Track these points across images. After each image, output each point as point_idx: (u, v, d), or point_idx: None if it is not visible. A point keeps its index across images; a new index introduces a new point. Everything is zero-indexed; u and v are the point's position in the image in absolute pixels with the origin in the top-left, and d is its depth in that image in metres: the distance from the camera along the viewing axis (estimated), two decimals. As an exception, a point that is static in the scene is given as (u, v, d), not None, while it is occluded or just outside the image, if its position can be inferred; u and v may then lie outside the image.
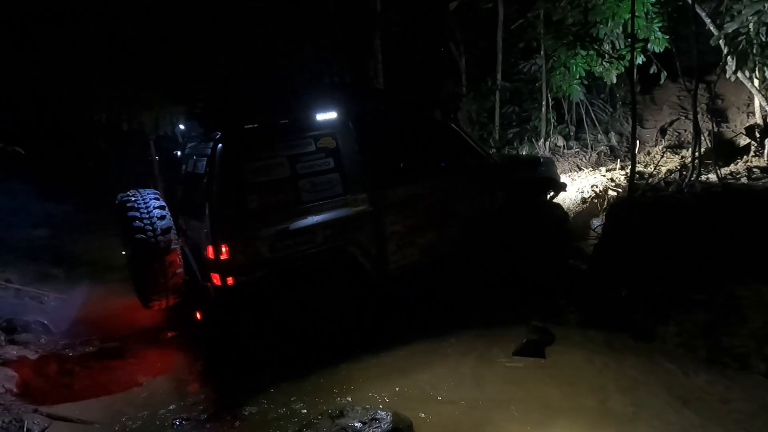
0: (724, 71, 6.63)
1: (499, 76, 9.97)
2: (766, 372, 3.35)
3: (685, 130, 7.29)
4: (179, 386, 3.88)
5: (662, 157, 6.11)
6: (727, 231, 4.40)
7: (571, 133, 10.53)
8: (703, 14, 6.42)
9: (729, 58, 5.90)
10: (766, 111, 6.52)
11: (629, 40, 6.48)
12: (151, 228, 3.80)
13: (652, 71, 8.31)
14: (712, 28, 6.40)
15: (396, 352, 4.02)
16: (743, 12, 5.41)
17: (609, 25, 7.73)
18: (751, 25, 5.69)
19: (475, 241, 4.71)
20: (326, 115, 4.15)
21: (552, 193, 5.39)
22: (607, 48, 8.08)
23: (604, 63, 8.00)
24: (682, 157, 6.63)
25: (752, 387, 3.27)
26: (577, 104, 10.35)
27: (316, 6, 8.34)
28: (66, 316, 5.05)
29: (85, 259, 6.72)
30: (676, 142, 8.04)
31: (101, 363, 4.22)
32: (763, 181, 5.82)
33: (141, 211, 3.84)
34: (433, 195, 4.50)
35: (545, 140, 9.86)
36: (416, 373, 3.74)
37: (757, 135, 4.81)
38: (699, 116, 6.35)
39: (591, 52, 8.03)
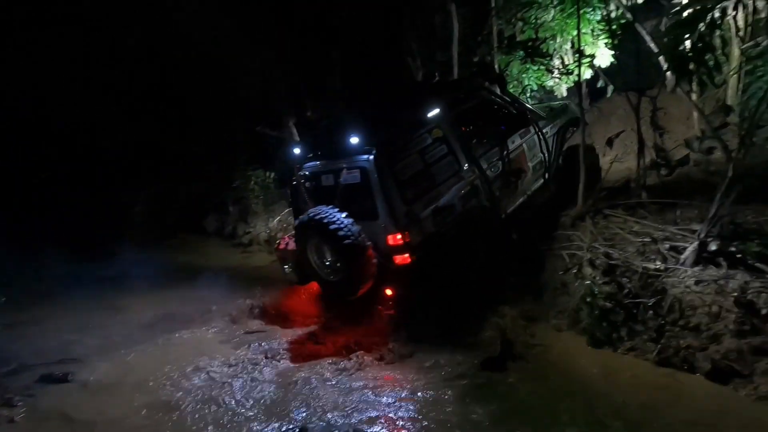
0: (665, 86, 7.02)
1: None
2: (708, 373, 3.53)
3: (632, 142, 7.60)
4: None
5: (610, 167, 6.36)
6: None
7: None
8: (644, 32, 6.77)
9: (668, 73, 6.24)
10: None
11: (577, 55, 6.77)
12: (351, 233, 4.66)
13: (599, 85, 8.78)
14: (652, 45, 6.74)
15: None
16: (679, 32, 5.72)
17: (558, 41, 8.04)
18: (687, 43, 6.04)
19: (542, 184, 5.97)
20: (432, 112, 5.19)
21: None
22: (557, 63, 8.39)
23: (554, 77, 8.30)
24: (628, 168, 6.94)
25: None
26: (531, 116, 10.67)
27: (280, 24, 8.33)
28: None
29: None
30: (623, 153, 8.41)
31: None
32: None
33: (337, 222, 4.67)
34: (511, 154, 5.66)
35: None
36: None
37: (696, 146, 5.11)
38: (644, 128, 6.66)
39: (541, 66, 8.32)
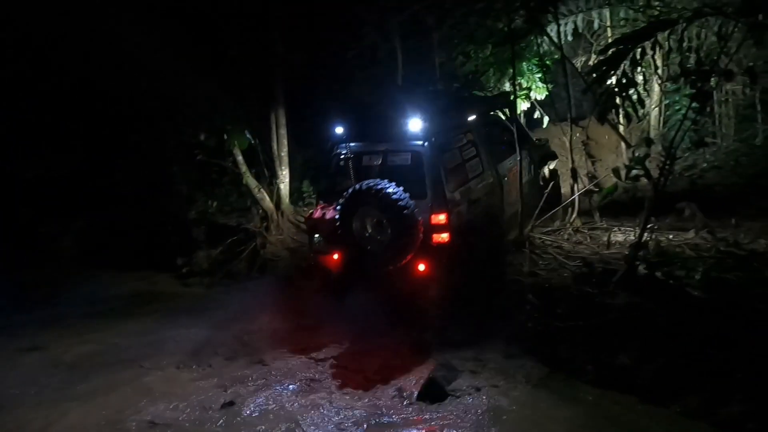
0: (596, 116, 7.49)
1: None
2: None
3: (567, 170, 8.05)
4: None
5: (546, 195, 6.66)
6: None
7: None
8: (574, 67, 7.24)
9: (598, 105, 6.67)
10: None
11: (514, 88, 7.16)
12: (409, 205, 5.02)
13: (536, 116, 9.34)
14: (582, 80, 7.21)
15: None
16: (605, 69, 6.15)
17: (496, 74, 8.47)
18: (613, 79, 6.50)
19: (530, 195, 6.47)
20: (470, 117, 6.26)
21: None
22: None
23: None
24: (564, 194, 7.32)
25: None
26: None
27: (217, 48, 8.25)
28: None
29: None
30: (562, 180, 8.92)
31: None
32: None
33: (398, 194, 5.01)
34: (513, 169, 6.37)
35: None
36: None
37: (623, 175, 5.49)
38: (578, 157, 7.05)
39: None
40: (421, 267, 5.21)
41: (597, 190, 7.00)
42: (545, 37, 7.50)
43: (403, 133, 5.42)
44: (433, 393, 4.12)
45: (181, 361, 5.18)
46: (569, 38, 8.52)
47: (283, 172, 8.42)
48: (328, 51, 9.82)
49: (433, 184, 5.28)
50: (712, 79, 4.95)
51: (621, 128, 7.79)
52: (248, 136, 8.18)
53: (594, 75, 6.25)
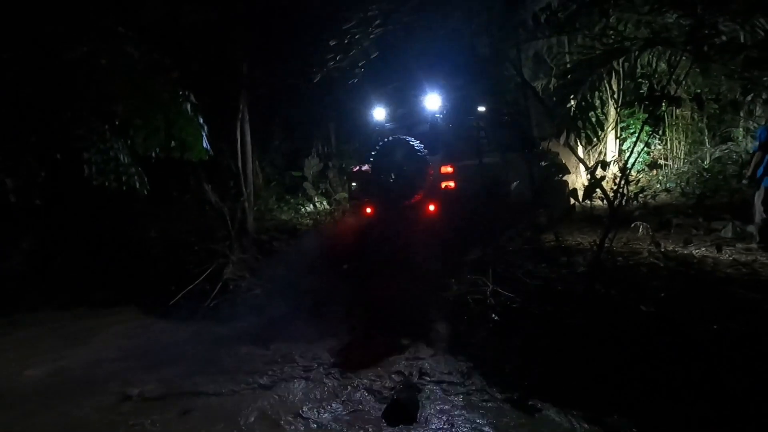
0: (556, 139, 7.74)
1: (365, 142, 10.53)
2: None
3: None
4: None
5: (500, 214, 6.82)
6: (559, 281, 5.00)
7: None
8: (535, 91, 7.48)
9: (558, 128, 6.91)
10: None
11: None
12: (423, 149, 6.51)
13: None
14: (542, 103, 7.46)
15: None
16: (566, 93, 6.39)
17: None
18: (573, 102, 6.75)
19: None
20: (479, 109, 7.42)
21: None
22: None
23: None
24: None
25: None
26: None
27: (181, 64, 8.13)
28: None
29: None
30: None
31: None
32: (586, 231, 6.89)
33: (416, 142, 6.52)
34: (514, 162, 7.26)
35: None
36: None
37: (580, 195, 5.68)
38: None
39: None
40: (431, 207, 6.54)
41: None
42: (506, 62, 7.74)
43: (424, 108, 7.08)
44: (397, 415, 4.09)
45: None
46: (529, 63, 8.82)
47: (248, 190, 8.33)
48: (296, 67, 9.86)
49: (444, 143, 6.71)
50: (663, 104, 5.20)
51: (579, 150, 8.07)
52: (207, 147, 8.03)
53: (554, 99, 6.49)
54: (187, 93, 7.59)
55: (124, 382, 4.97)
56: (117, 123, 7.32)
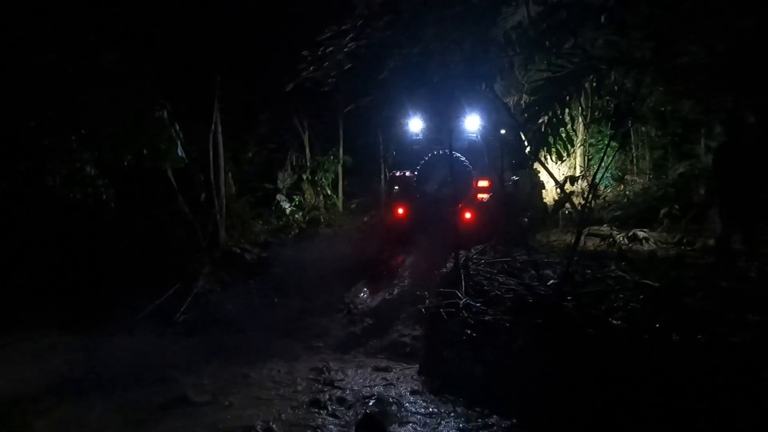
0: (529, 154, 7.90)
1: (341, 151, 10.55)
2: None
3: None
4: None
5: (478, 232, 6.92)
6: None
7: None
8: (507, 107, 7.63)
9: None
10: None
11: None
12: (467, 164, 7.33)
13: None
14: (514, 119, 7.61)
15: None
16: (537, 109, 6.54)
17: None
18: (544, 118, 6.90)
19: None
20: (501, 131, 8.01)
21: None
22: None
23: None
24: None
25: None
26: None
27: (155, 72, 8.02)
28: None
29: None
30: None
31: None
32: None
33: (463, 157, 7.30)
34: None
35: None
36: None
37: (551, 209, 5.81)
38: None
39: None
40: (468, 215, 7.21)
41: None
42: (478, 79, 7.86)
43: (463, 129, 7.86)
44: (369, 428, 4.07)
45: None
46: (500, 80, 8.98)
47: (220, 202, 8.22)
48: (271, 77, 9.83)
49: (480, 160, 7.47)
50: (629, 121, 5.37)
51: (550, 165, 8.25)
52: (182, 154, 7.91)
53: (527, 115, 6.62)
54: (163, 101, 7.50)
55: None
56: (84, 132, 7.13)
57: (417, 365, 5.45)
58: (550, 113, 6.48)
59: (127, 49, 7.26)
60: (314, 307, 6.93)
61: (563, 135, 6.45)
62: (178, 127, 7.97)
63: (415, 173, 7.54)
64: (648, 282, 4.99)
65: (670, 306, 4.45)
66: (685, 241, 6.69)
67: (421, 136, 8.12)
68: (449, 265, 6.23)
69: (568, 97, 6.46)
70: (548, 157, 8.26)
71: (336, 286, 7.20)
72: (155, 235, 8.46)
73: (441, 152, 7.27)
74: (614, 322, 4.41)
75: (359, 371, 5.42)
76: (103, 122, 7.28)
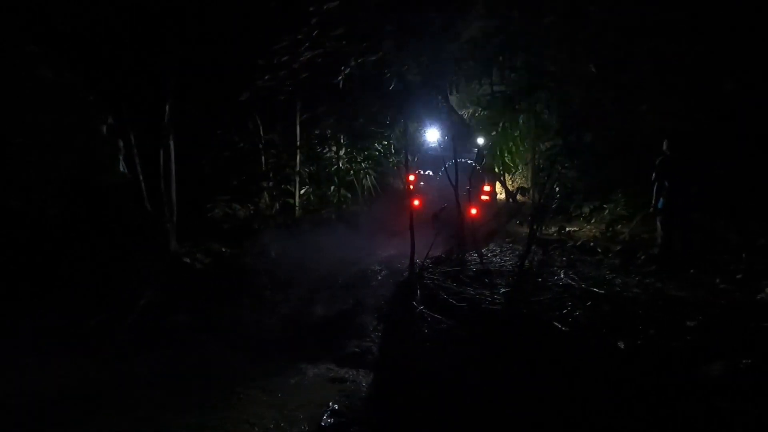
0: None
1: (298, 159, 10.47)
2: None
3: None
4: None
5: (436, 237, 6.98)
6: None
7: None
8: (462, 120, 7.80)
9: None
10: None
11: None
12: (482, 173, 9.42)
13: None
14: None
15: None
16: (488, 122, 6.73)
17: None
18: (495, 131, 7.11)
19: None
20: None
21: None
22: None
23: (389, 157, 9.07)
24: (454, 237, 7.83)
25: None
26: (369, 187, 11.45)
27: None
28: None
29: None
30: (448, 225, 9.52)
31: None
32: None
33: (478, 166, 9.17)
34: None
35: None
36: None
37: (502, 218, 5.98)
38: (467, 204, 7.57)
39: (375, 143, 9.05)
40: (474, 211, 8.24)
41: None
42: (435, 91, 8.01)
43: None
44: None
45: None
46: (456, 93, 9.18)
47: (170, 211, 7.99)
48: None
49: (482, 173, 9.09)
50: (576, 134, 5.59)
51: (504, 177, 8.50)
52: (123, 169, 7.67)
53: (480, 128, 6.81)
54: (104, 115, 7.25)
55: None
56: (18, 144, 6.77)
57: (372, 374, 5.42)
58: (500, 127, 6.70)
59: (68, 59, 6.98)
60: (264, 316, 6.78)
61: (512, 148, 6.68)
62: (121, 143, 7.73)
63: (437, 174, 9.51)
64: (595, 290, 5.18)
65: (615, 313, 4.62)
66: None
67: (437, 145, 9.83)
68: (405, 274, 6.27)
69: (518, 112, 6.67)
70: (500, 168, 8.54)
71: (290, 294, 7.09)
72: (104, 246, 8.10)
73: (461, 160, 8.30)
74: (563, 328, 4.54)
75: (312, 381, 5.33)
76: (39, 137, 6.92)
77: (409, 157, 11.40)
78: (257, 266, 7.73)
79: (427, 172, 10.61)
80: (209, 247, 8.30)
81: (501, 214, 9.06)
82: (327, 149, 10.93)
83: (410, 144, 11.37)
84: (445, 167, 8.36)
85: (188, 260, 7.63)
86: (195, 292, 7.34)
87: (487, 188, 9.72)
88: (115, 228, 8.21)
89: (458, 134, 8.96)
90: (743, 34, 5.23)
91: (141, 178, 7.94)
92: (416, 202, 8.90)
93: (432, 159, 9.75)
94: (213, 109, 10.02)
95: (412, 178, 10.16)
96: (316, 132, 10.76)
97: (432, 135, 9.78)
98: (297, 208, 10.59)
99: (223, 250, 8.43)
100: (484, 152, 8.29)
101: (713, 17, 5.24)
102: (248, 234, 9.39)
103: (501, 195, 10.95)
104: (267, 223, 9.85)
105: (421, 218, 8.05)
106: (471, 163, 9.42)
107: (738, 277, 5.30)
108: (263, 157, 10.86)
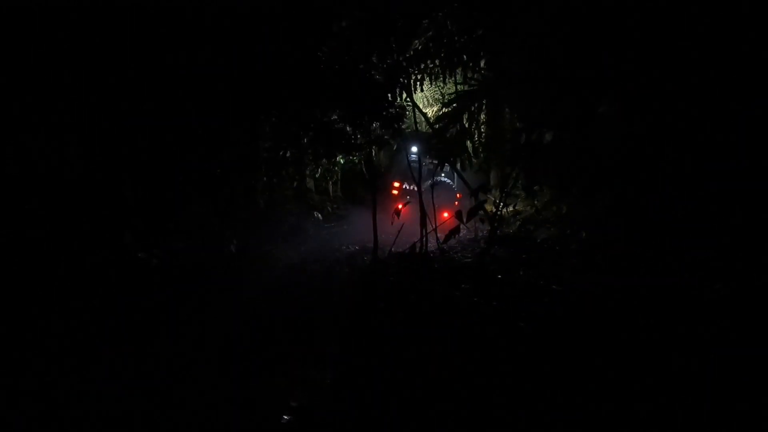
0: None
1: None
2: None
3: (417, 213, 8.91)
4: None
5: (399, 233, 7.00)
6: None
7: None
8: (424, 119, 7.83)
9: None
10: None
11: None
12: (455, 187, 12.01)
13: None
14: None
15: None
16: (447, 121, 6.77)
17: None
18: (454, 130, 7.15)
19: None
20: None
21: None
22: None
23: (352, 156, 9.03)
24: (414, 234, 7.88)
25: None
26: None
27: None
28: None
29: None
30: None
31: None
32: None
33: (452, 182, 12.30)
34: None
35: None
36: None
37: (464, 219, 6.03)
38: (428, 202, 7.62)
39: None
40: (445, 215, 9.08)
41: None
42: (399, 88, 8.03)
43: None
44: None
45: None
46: (421, 90, 9.23)
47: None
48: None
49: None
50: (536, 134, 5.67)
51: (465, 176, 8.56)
52: None
53: (438, 126, 6.84)
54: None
55: None
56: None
57: (331, 376, 5.36)
58: (458, 126, 6.75)
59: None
60: (216, 321, 6.39)
61: (470, 147, 6.74)
62: None
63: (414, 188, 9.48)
64: (554, 287, 5.29)
65: (572, 309, 4.73)
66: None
67: (416, 157, 9.76)
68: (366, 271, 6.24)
69: (477, 111, 6.72)
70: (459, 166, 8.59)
71: (251, 294, 6.94)
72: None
73: (441, 177, 10.25)
74: (521, 324, 4.61)
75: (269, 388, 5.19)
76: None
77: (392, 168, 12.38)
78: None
79: (412, 187, 11.02)
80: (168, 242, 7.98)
81: (463, 211, 9.03)
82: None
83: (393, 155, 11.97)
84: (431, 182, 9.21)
85: (143, 255, 7.32)
86: (143, 293, 6.85)
87: (458, 195, 11.47)
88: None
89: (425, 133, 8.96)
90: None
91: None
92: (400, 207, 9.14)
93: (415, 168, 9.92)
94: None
95: (397, 185, 12.57)
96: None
97: (413, 149, 9.78)
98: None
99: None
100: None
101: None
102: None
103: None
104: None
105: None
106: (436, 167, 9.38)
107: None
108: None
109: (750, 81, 4.60)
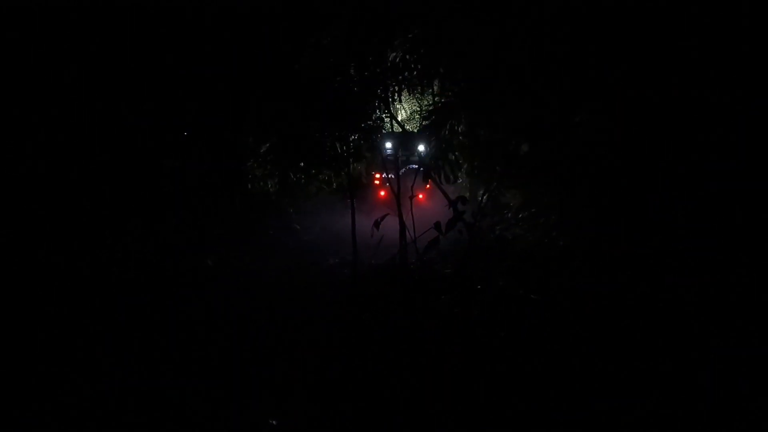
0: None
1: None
2: None
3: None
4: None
5: (379, 244, 6.95)
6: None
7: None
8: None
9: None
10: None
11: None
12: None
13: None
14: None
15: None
16: (428, 133, 6.81)
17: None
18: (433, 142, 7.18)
19: None
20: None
21: None
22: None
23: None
24: (395, 246, 7.83)
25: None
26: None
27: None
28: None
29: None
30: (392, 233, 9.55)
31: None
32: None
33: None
34: None
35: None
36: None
37: (443, 229, 6.04)
38: (408, 212, 7.60)
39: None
40: (420, 196, 9.35)
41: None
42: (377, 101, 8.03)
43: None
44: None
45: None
46: (399, 102, 9.27)
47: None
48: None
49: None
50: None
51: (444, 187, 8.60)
52: None
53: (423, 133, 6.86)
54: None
55: None
56: None
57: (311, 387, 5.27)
58: (439, 138, 6.78)
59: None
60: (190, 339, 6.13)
61: (450, 159, 6.77)
62: None
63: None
64: (533, 296, 5.31)
65: (551, 319, 4.76)
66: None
67: (392, 151, 10.02)
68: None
69: (456, 123, 6.76)
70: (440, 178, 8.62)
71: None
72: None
73: (411, 167, 9.72)
74: (501, 333, 4.62)
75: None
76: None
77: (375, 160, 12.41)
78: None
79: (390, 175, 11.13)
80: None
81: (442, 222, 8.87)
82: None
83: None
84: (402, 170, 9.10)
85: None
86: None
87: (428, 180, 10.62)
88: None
89: (404, 141, 9.67)
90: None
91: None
92: (382, 193, 10.77)
93: (392, 164, 10.41)
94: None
95: (378, 176, 12.42)
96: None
97: (388, 143, 10.29)
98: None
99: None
100: (427, 160, 8.08)
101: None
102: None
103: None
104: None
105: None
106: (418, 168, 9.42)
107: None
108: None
109: (750, 81, 4.67)
